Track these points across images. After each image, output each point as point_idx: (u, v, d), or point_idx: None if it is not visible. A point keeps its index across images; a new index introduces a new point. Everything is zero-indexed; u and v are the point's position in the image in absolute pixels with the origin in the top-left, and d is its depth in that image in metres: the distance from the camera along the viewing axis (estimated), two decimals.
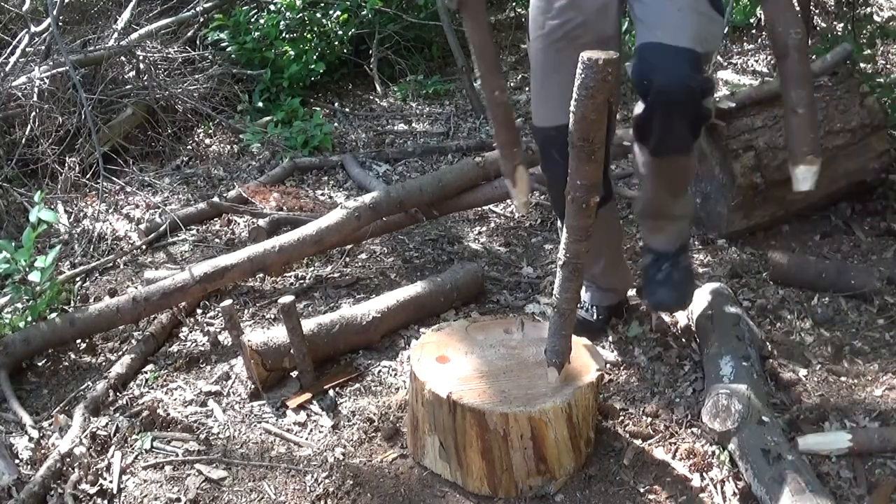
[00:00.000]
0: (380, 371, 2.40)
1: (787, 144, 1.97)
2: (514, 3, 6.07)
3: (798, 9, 4.60)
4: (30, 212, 2.69)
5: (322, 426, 2.17)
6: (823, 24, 5.05)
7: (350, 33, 5.06)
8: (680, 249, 2.27)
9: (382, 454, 2.05)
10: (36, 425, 2.21)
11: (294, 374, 2.34)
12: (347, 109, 4.87)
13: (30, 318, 2.58)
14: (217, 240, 3.34)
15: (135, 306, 2.54)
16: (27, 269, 2.59)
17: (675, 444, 2.02)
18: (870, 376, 2.26)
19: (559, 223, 2.45)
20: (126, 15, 4.73)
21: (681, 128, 1.91)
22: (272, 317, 2.72)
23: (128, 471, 2.04)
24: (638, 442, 2.02)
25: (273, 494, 1.93)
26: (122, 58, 4.38)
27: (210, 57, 4.80)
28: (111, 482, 1.99)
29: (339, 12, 5.00)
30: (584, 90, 1.50)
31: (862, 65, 3.80)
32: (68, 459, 2.02)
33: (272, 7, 5.08)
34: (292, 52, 4.78)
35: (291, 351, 2.29)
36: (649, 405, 2.17)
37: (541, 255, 3.07)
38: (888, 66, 4.71)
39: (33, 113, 3.71)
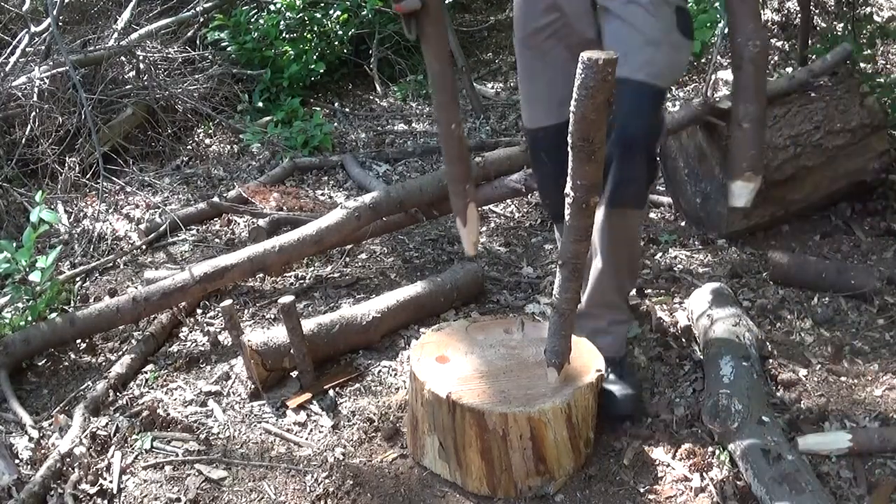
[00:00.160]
0: (380, 371, 2.40)
1: (728, 157, 1.96)
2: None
3: (800, 12, 4.61)
4: (30, 212, 2.69)
5: (322, 426, 2.17)
6: (823, 24, 5.05)
7: (350, 33, 5.06)
8: (626, 354, 2.23)
9: (382, 454, 2.05)
10: (36, 425, 2.21)
11: (294, 374, 2.34)
12: (347, 109, 4.87)
13: (30, 318, 2.58)
14: (217, 240, 3.34)
15: (135, 306, 2.54)
16: (27, 269, 2.59)
17: (675, 444, 2.02)
18: (870, 376, 2.26)
19: (556, 227, 2.45)
20: (126, 15, 4.73)
21: (639, 171, 1.92)
22: (272, 317, 2.72)
23: (128, 471, 2.04)
24: (638, 442, 2.02)
25: (273, 494, 1.93)
26: (122, 58, 4.38)
27: (210, 57, 4.80)
28: (111, 482, 1.99)
29: (339, 12, 5.00)
30: (584, 90, 1.50)
31: (862, 65, 3.80)
32: (68, 459, 2.02)
33: (272, 7, 5.08)
34: (292, 52, 4.79)
35: (291, 351, 2.29)
36: (649, 405, 2.17)
37: (541, 255, 3.07)
38: (888, 66, 4.71)
39: (33, 113, 3.72)
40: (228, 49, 4.88)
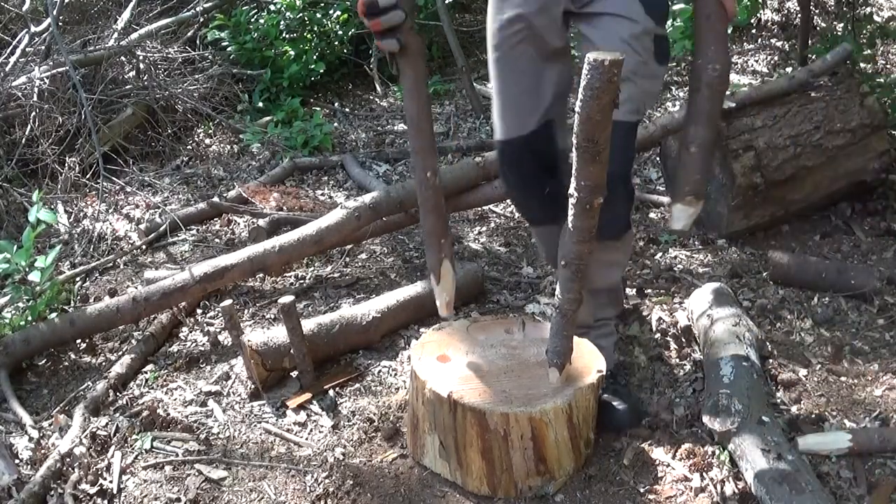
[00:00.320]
0: (380, 371, 2.40)
1: (673, 179, 1.96)
2: None
3: (800, 12, 4.61)
4: (29, 212, 2.69)
5: (322, 426, 2.17)
6: (823, 24, 5.05)
7: (350, 33, 5.06)
8: (616, 367, 2.24)
9: (382, 454, 2.05)
10: (36, 425, 2.21)
11: (294, 374, 2.34)
12: (347, 109, 4.87)
13: (30, 318, 2.58)
14: (217, 240, 3.34)
15: (135, 306, 2.54)
16: (27, 270, 2.59)
17: (675, 444, 2.02)
18: (870, 376, 2.26)
19: (534, 231, 2.39)
20: (126, 15, 4.73)
21: (621, 205, 1.98)
22: (272, 317, 2.72)
23: (128, 471, 2.04)
24: (638, 442, 2.02)
25: (273, 494, 1.93)
26: (122, 58, 4.38)
27: (210, 57, 4.80)
28: (111, 482, 1.99)
29: (339, 12, 5.00)
30: (590, 91, 1.50)
31: (862, 65, 3.80)
32: (68, 459, 2.02)
33: (272, 7, 5.08)
34: (292, 52, 4.79)
35: (291, 351, 2.29)
36: (649, 405, 2.17)
37: (541, 255, 3.06)
38: (888, 66, 4.71)
39: (33, 113, 3.71)
40: (228, 49, 4.88)
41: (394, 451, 2.05)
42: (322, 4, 5.09)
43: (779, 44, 5.25)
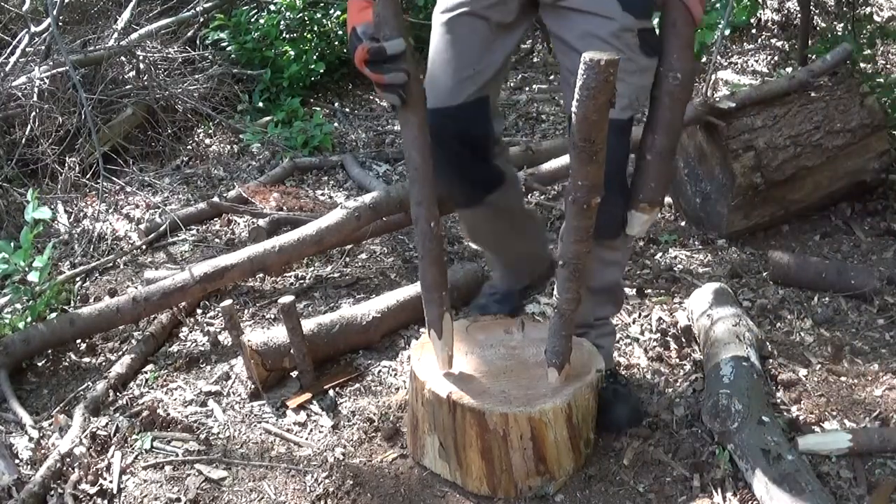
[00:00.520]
0: (380, 371, 2.40)
1: (630, 185, 1.94)
2: None
3: (800, 12, 4.61)
4: (25, 210, 2.69)
5: (322, 426, 2.17)
6: (823, 24, 5.05)
7: None
8: (616, 367, 2.23)
9: (382, 454, 2.05)
10: (36, 425, 2.21)
11: (294, 374, 2.34)
12: (347, 109, 4.87)
13: (29, 319, 2.58)
14: (217, 240, 3.34)
15: (135, 306, 2.54)
16: (26, 270, 2.59)
17: (675, 444, 2.02)
18: (870, 376, 2.26)
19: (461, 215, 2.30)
20: (126, 15, 4.73)
21: (616, 204, 1.91)
22: (272, 317, 2.72)
23: (128, 471, 2.04)
24: (638, 442, 2.02)
25: (273, 494, 1.93)
26: (122, 58, 4.38)
27: (210, 57, 4.80)
28: (111, 482, 1.99)
29: (339, 12, 5.00)
30: (586, 91, 1.50)
31: (862, 65, 3.80)
32: (68, 459, 2.02)
33: (272, 7, 5.08)
34: (292, 52, 4.78)
35: (291, 351, 2.29)
36: (649, 405, 2.17)
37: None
38: (888, 66, 4.71)
39: (33, 113, 3.71)
40: (228, 49, 4.88)
41: (394, 451, 2.05)
42: (322, 4, 5.09)
43: (779, 44, 5.25)
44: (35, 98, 3.75)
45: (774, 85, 3.09)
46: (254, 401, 2.28)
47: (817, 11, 5.13)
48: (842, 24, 4.42)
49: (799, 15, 4.90)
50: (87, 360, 2.56)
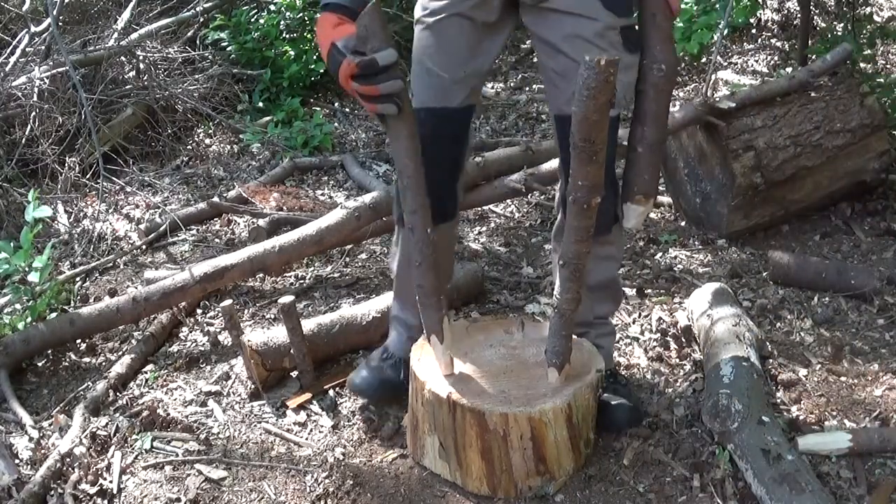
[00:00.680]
0: None
1: (622, 179, 1.95)
2: None
3: (800, 12, 4.61)
4: (26, 211, 2.69)
5: (322, 426, 2.17)
6: (823, 24, 5.05)
7: None
8: (616, 367, 2.22)
9: (382, 454, 2.05)
10: (36, 425, 2.21)
11: (294, 374, 2.34)
12: (347, 109, 4.87)
13: (29, 319, 2.58)
14: (217, 240, 3.34)
15: (135, 306, 2.54)
16: (26, 270, 2.59)
17: (675, 444, 2.02)
18: (870, 376, 2.26)
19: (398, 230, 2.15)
20: (126, 15, 4.73)
21: (608, 202, 1.87)
22: (272, 317, 2.72)
23: (128, 471, 2.04)
24: (638, 442, 2.02)
25: (273, 494, 1.93)
26: (122, 58, 4.38)
27: (210, 57, 4.80)
28: (111, 482, 1.99)
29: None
30: (586, 91, 1.50)
31: (862, 65, 3.80)
32: (68, 459, 2.02)
33: (272, 7, 5.08)
34: (292, 52, 4.79)
35: (291, 351, 2.29)
36: (649, 405, 2.17)
37: (541, 255, 3.07)
38: (888, 66, 4.71)
39: (33, 113, 3.72)
40: (228, 49, 4.88)
41: (394, 451, 2.05)
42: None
43: (779, 44, 5.25)
44: (35, 98, 3.75)
45: (774, 85, 3.09)
46: (254, 401, 2.28)
47: (817, 11, 5.13)
48: (842, 24, 4.42)
49: (799, 15, 4.90)
50: (87, 360, 2.56)
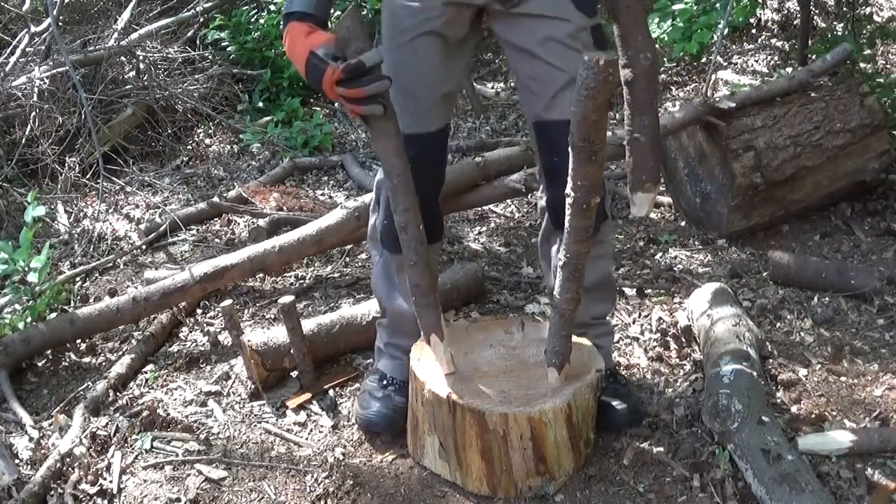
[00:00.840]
0: None
1: (627, 170, 1.95)
2: None
3: (800, 12, 4.61)
4: (25, 211, 2.70)
5: (322, 426, 2.17)
6: (823, 24, 5.05)
7: None
8: (616, 367, 2.22)
9: (382, 454, 2.05)
10: (36, 425, 2.21)
11: (294, 374, 2.34)
12: None
13: (29, 319, 2.58)
14: (217, 240, 3.34)
15: (135, 306, 2.54)
16: (26, 270, 2.59)
17: (675, 444, 2.02)
18: (870, 376, 2.26)
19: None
20: (126, 15, 4.73)
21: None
22: (272, 317, 2.72)
23: (128, 471, 2.04)
24: (638, 442, 2.02)
25: (273, 494, 1.93)
26: (122, 58, 4.38)
27: (210, 57, 4.80)
28: (111, 482, 1.99)
29: (339, 12, 5.00)
30: (585, 91, 1.50)
31: (862, 65, 3.80)
32: (68, 459, 2.02)
33: (272, 7, 5.08)
34: None
35: (291, 351, 2.29)
36: (649, 405, 2.17)
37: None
38: (888, 66, 4.71)
39: (33, 113, 3.72)
40: (228, 49, 4.88)
41: (394, 451, 2.05)
42: None
43: (779, 44, 5.25)
44: (35, 98, 3.75)
45: (774, 85, 3.09)
46: (254, 401, 2.28)
47: (817, 11, 5.13)
48: (842, 24, 4.42)
49: (799, 15, 4.90)
50: (87, 360, 2.56)
